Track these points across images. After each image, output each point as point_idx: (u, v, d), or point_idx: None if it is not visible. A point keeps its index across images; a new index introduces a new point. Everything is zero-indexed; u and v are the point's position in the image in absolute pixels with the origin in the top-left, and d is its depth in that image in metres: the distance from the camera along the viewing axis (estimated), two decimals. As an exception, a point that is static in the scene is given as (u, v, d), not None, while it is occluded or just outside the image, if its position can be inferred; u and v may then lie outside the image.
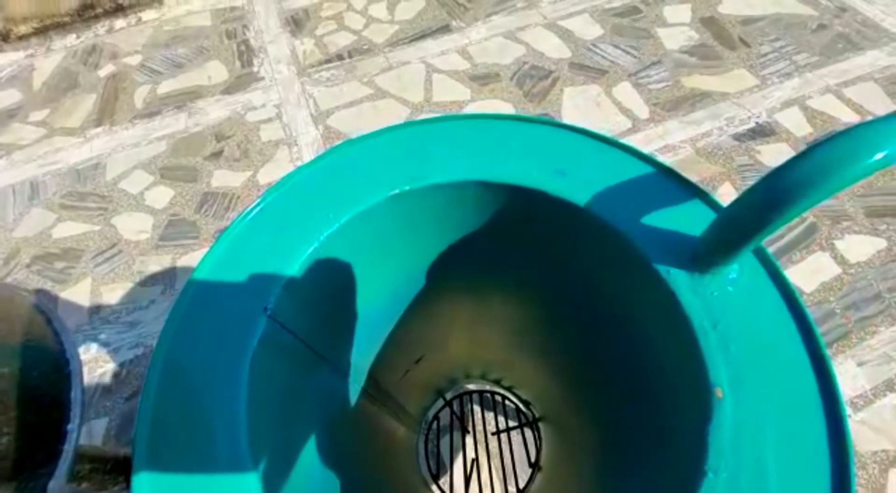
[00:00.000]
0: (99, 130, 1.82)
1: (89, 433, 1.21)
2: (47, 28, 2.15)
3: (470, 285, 0.55)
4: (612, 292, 0.39)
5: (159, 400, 0.32)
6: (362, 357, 0.50)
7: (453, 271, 0.48)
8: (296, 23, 2.14)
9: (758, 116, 1.67)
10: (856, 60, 1.84)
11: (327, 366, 0.43)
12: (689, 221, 0.35)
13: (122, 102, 1.90)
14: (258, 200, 0.39)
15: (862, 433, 1.11)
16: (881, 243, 1.38)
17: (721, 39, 1.92)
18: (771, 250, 1.37)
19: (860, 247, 1.38)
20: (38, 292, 1.43)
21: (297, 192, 0.39)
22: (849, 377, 1.18)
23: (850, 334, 1.23)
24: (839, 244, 1.38)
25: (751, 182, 1.50)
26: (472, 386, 1.03)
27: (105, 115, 1.87)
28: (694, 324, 0.31)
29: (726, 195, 1.49)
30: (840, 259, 1.36)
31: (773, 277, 0.32)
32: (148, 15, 2.24)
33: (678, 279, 0.33)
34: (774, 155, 1.57)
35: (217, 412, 0.31)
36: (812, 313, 1.26)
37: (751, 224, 0.29)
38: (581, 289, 0.43)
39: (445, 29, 2.05)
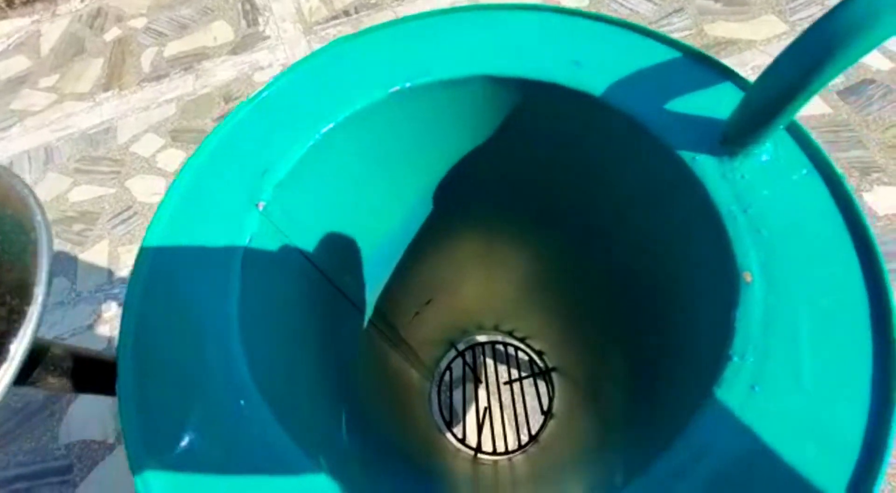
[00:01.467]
0: (108, 94, 1.81)
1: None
2: (51, -8, 2.12)
3: (480, 223, 0.53)
4: (634, 195, 0.37)
5: (146, 301, 0.31)
6: (367, 284, 0.49)
7: (462, 198, 0.47)
8: (300, -21, 2.07)
9: (785, 65, 1.58)
10: (895, 3, 1.72)
11: (327, 282, 0.42)
12: (718, 104, 0.32)
13: (129, 65, 1.89)
14: (252, 97, 0.38)
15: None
16: (913, 195, 1.32)
17: (748, -17, 1.80)
18: (795, 203, 1.32)
19: (890, 199, 1.32)
20: (58, 253, 1.45)
21: (292, 89, 0.38)
22: (872, 331, 1.15)
23: (876, 288, 1.20)
24: (867, 197, 1.33)
25: (776, 134, 1.44)
26: (483, 337, 1.03)
27: (113, 79, 1.85)
28: (721, 210, 0.29)
29: (749, 148, 1.43)
30: (868, 212, 1.30)
31: (811, 156, 0.30)
32: (150, -24, 2.18)
33: (705, 165, 0.30)
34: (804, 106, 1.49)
35: (206, 312, 0.30)
36: (836, 266, 1.24)
37: (782, 91, 0.27)
38: (600, 201, 0.41)
39: (455, -19, 1.96)
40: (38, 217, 0.32)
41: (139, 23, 2.03)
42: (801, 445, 0.23)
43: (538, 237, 0.56)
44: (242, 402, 0.26)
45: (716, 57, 0.39)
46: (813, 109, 1.48)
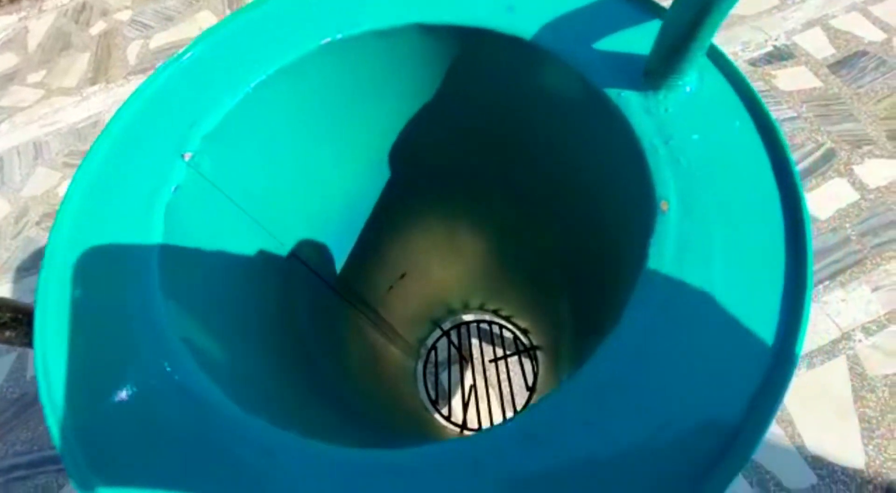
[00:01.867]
0: (95, 88, 1.81)
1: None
2: (36, -13, 2.11)
3: (440, 192, 0.53)
4: (568, 137, 0.37)
5: (69, 251, 0.31)
6: (327, 251, 0.49)
7: (416, 162, 0.46)
8: (285, -32, 2.05)
9: (775, 39, 1.56)
10: (887, -26, 1.69)
11: (273, 242, 0.42)
12: (646, 40, 0.32)
13: (115, 58, 1.88)
14: (178, 54, 0.37)
15: (873, 357, 1.09)
16: (904, 167, 1.31)
17: (738, -42, 1.78)
18: (784, 177, 1.31)
19: (881, 171, 1.31)
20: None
21: (222, 44, 0.37)
22: (862, 303, 1.15)
23: (865, 260, 1.19)
24: (858, 170, 1.31)
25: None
26: (469, 316, 1.03)
27: (100, 73, 1.85)
28: (644, 143, 0.28)
29: (738, 124, 1.42)
30: (858, 185, 1.29)
31: (736, 85, 0.30)
32: (135, -32, 2.17)
33: (630, 101, 0.30)
34: (792, 78, 1.47)
35: (128, 264, 0.29)
36: (826, 240, 1.22)
37: (693, 13, 0.26)
38: (540, 148, 0.40)
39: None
40: None
41: (124, 16, 2.02)
42: (711, 355, 0.23)
43: (494, 203, 0.56)
44: (167, 365, 0.26)
45: None
46: (803, 83, 1.46)
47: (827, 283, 1.17)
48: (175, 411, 0.25)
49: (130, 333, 0.28)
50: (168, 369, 0.26)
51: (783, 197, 0.26)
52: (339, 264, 0.52)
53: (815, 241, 1.23)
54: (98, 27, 2.01)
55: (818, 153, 1.35)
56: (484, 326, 1.00)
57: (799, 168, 1.32)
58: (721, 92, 0.30)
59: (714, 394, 0.22)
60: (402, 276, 0.68)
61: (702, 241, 0.25)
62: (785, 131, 1.38)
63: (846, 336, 1.11)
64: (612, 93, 0.30)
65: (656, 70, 0.29)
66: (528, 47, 0.33)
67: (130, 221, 0.32)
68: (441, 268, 0.73)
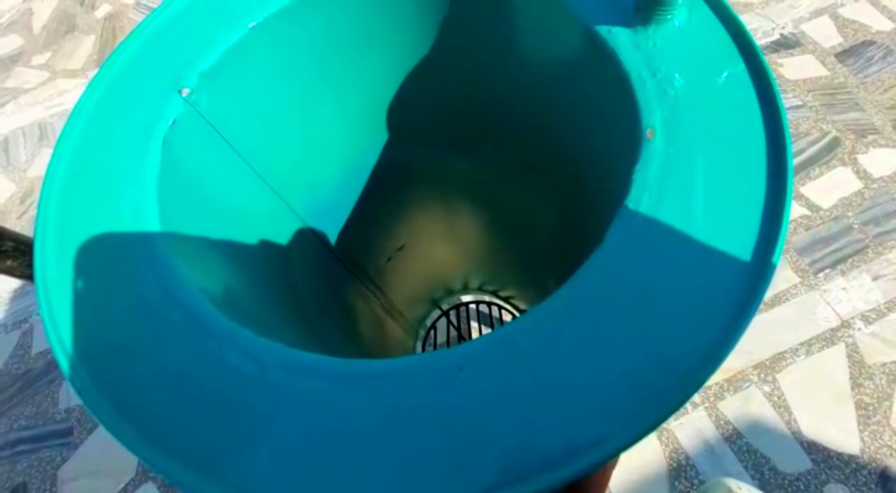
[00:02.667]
0: (100, 70, 1.81)
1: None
2: (41, -31, 2.10)
3: (436, 161, 0.53)
4: (555, 78, 0.37)
5: (67, 180, 0.32)
6: (321, 207, 0.49)
7: (413, 124, 0.46)
8: (290, -48, 2.04)
9: (783, 28, 1.55)
10: (898, -37, 1.67)
11: (266, 188, 0.42)
12: None
13: (119, 41, 1.88)
14: None
15: (872, 345, 1.09)
16: (909, 157, 1.30)
17: (747, -54, 1.75)
18: (788, 166, 1.30)
19: (886, 160, 1.30)
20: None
21: None
22: (863, 291, 1.14)
23: (867, 249, 1.19)
24: (862, 159, 1.31)
25: (770, 97, 1.42)
26: (469, 297, 1.04)
27: (104, 55, 1.85)
28: (631, 75, 0.29)
29: (743, 112, 1.41)
30: (862, 174, 1.28)
31: (724, 19, 0.30)
32: (140, -49, 2.16)
33: (619, 36, 0.31)
34: (798, 67, 1.46)
35: (125, 194, 0.30)
36: (828, 228, 1.22)
37: None
38: (531, 93, 0.41)
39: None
40: None
41: (130, -1, 2.02)
42: (693, 266, 0.24)
43: (489, 179, 0.56)
44: (164, 283, 0.27)
45: None
46: (809, 71, 1.45)
47: (828, 271, 1.17)
48: (171, 323, 0.26)
49: (129, 254, 0.28)
50: (164, 286, 0.27)
51: (767, 126, 0.27)
52: (338, 228, 0.53)
53: (818, 229, 1.22)
54: (103, 10, 2.01)
55: (823, 142, 1.34)
56: (483, 308, 1.01)
57: (803, 157, 1.32)
58: (709, 25, 0.30)
59: (689, 317, 0.23)
60: (401, 248, 0.68)
61: (685, 166, 0.26)
62: (790, 119, 1.37)
63: (846, 324, 1.11)
64: (603, 30, 0.31)
65: (645, 5, 0.30)
66: None
67: (128, 152, 0.32)
68: (439, 244, 0.74)
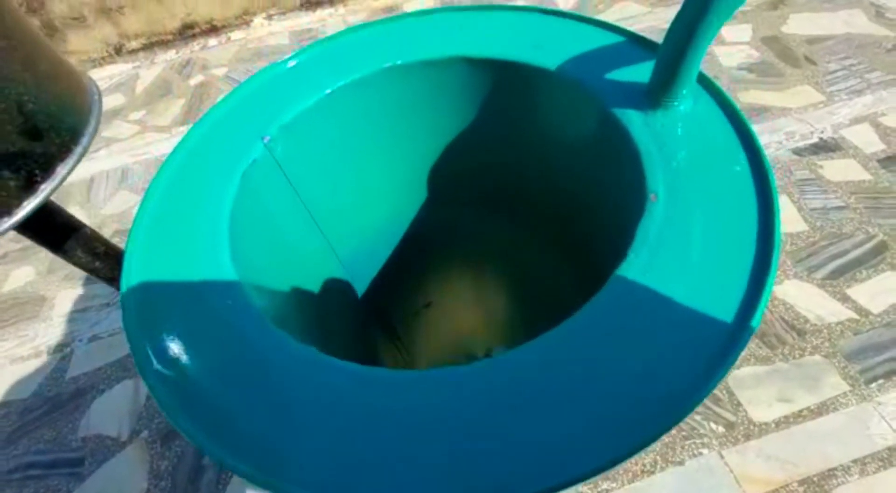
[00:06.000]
0: (183, 128, 2.05)
1: (138, 386, 1.30)
2: (153, 44, 2.48)
3: (468, 224, 0.57)
4: (579, 149, 0.41)
5: (161, 202, 0.37)
6: (360, 254, 0.53)
7: (450, 187, 0.51)
8: (362, 42, 2.32)
9: (822, 132, 1.58)
10: (940, 80, 1.71)
11: (318, 233, 0.46)
12: (649, 72, 0.36)
13: (205, 106, 2.14)
14: (277, 62, 0.45)
15: (938, 472, 0.97)
16: (967, 268, 1.24)
17: (784, 57, 1.86)
18: (832, 266, 1.27)
19: (941, 270, 1.24)
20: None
21: (310, 60, 0.45)
22: (923, 409, 1.04)
23: (926, 362, 1.10)
24: (914, 266, 1.25)
25: (811, 197, 1.41)
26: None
27: (190, 116, 2.10)
28: (640, 148, 0.32)
29: (784, 209, 1.41)
30: (915, 283, 1.22)
31: (723, 105, 0.33)
32: (236, 35, 2.52)
33: (632, 118, 0.34)
34: (840, 169, 1.47)
35: (203, 218, 0.35)
36: (879, 335, 1.15)
37: (677, 48, 0.30)
38: (558, 165, 0.44)
39: (499, 47, 2.14)
40: (96, 96, 0.41)
41: (220, 71, 2.32)
42: (677, 319, 0.25)
43: (516, 243, 0.59)
44: (229, 301, 0.30)
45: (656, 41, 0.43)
46: (851, 174, 1.45)
47: (882, 382, 1.08)
48: (224, 322, 0.29)
49: (199, 262, 0.32)
50: (224, 295, 0.30)
51: (758, 194, 0.28)
52: (372, 276, 0.56)
53: (868, 335, 1.15)
54: (196, 79, 2.31)
55: (869, 245, 1.30)
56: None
57: (848, 258, 1.28)
58: (711, 112, 0.34)
59: (666, 367, 0.24)
60: (428, 304, 0.70)
61: (682, 228, 0.28)
62: (832, 220, 1.35)
63: (905, 443, 1.00)
64: (618, 111, 0.35)
65: (655, 92, 0.33)
66: (552, 76, 0.39)
67: (214, 181, 0.38)
68: (465, 306, 0.75)
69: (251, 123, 0.42)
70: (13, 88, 0.33)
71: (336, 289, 0.50)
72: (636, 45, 0.41)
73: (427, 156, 0.50)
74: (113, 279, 0.45)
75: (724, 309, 0.25)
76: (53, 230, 0.39)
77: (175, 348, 0.29)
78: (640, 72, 0.38)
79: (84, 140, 0.36)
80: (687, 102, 0.34)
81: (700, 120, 0.34)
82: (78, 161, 0.36)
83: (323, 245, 0.48)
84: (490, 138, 0.48)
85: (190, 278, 0.32)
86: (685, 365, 0.24)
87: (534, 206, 0.51)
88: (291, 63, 0.46)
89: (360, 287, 0.55)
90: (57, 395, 1.32)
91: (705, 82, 0.36)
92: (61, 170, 0.35)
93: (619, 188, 0.35)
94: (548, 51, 0.41)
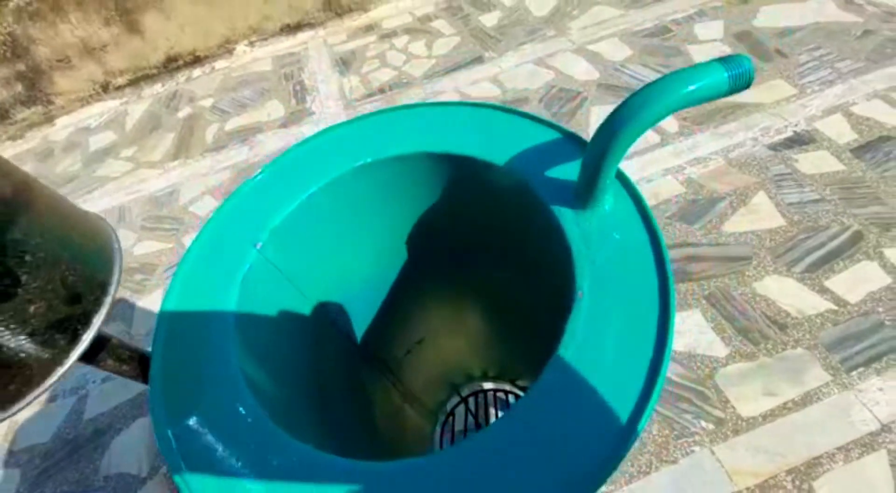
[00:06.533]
0: (175, 163, 2.09)
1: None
2: (139, 79, 2.52)
3: (444, 275, 0.62)
4: (525, 237, 0.46)
5: (174, 313, 0.42)
6: (355, 317, 0.58)
7: (425, 253, 0.56)
8: (344, 63, 2.36)
9: (795, 125, 1.62)
10: (909, 64, 1.74)
11: (317, 311, 0.52)
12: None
13: (195, 138, 2.18)
14: (258, 173, 0.50)
15: (918, 453, 1.02)
16: (940, 252, 1.28)
17: (755, 52, 1.90)
18: (810, 259, 1.31)
19: (914, 255, 1.29)
20: (117, 300, 1.64)
21: (289, 165, 0.50)
22: (902, 393, 1.09)
23: (903, 347, 1.15)
24: (889, 253, 1.30)
25: (787, 191, 1.46)
26: (488, 384, 1.07)
27: (181, 150, 2.14)
28: (572, 247, 0.37)
29: (761, 205, 1.45)
30: (890, 268, 1.27)
31: (638, 206, 0.38)
32: (220, 64, 2.56)
33: (566, 215, 0.40)
34: (814, 162, 1.51)
35: (212, 323, 0.40)
36: (858, 324, 1.20)
37: (597, 157, 0.35)
38: (509, 242, 0.50)
39: (478, 60, 2.18)
40: (116, 244, 0.46)
41: (207, 102, 2.36)
42: (601, 396, 0.30)
43: (487, 286, 0.65)
44: (240, 409, 0.36)
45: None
46: (825, 166, 1.49)
47: (862, 369, 1.13)
48: (231, 424, 0.34)
49: (209, 367, 0.38)
50: (231, 397, 0.36)
51: (660, 289, 0.34)
52: (363, 328, 0.62)
53: (846, 325, 1.20)
54: (184, 111, 2.35)
55: (845, 236, 1.35)
56: (501, 394, 1.04)
57: (825, 250, 1.33)
58: (627, 210, 0.39)
59: (572, 456, 0.29)
60: (420, 341, 0.75)
61: (602, 324, 0.33)
62: (809, 213, 1.40)
63: (886, 428, 1.05)
64: (556, 209, 0.40)
65: (581, 193, 0.39)
66: (501, 171, 0.44)
67: (219, 289, 0.43)
68: (455, 338, 0.80)
69: (243, 233, 0.48)
70: (57, 270, 0.39)
71: (331, 349, 0.55)
72: (571, 142, 0.46)
73: (404, 229, 0.56)
74: (137, 376, 0.50)
75: (622, 410, 0.30)
76: (88, 350, 0.44)
77: (190, 434, 0.34)
78: (574, 169, 0.43)
79: (112, 290, 0.42)
80: (609, 201, 0.39)
81: (619, 219, 0.39)
82: (110, 309, 0.42)
83: (316, 310, 0.54)
84: (451, 213, 0.53)
85: (203, 377, 0.37)
86: (585, 462, 0.28)
87: (500, 257, 0.57)
88: (260, 176, 0.51)
89: (353, 338, 0.60)
90: (76, 437, 1.37)
91: (624, 181, 0.41)
92: (97, 320, 0.41)
93: (555, 275, 0.41)
94: (498, 147, 0.46)
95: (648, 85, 0.35)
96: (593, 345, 0.33)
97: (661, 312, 0.33)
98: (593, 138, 0.38)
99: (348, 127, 0.53)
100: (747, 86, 0.34)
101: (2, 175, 0.41)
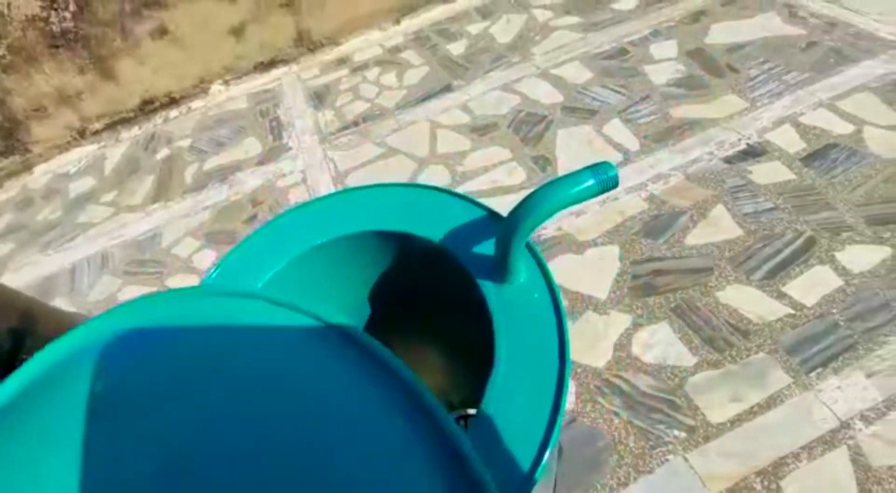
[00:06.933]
0: (156, 205, 2.12)
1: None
2: (115, 123, 2.56)
3: (401, 322, 0.69)
4: (457, 303, 0.53)
5: None
6: None
7: (384, 306, 0.62)
8: (318, 97, 2.43)
9: (748, 138, 1.72)
10: (849, 72, 1.86)
11: None
12: None
13: (175, 179, 2.21)
14: (229, 253, 0.56)
15: (876, 447, 1.09)
16: (886, 252, 1.37)
17: (708, 69, 2.00)
18: (768, 266, 1.39)
19: (863, 256, 1.37)
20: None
21: (253, 248, 0.56)
22: (859, 390, 1.16)
23: (857, 346, 1.22)
24: (840, 256, 1.38)
25: (743, 202, 1.54)
26: (473, 410, 1.11)
27: (161, 192, 2.17)
28: (494, 317, 0.43)
29: (720, 217, 1.53)
30: (842, 271, 1.35)
31: (546, 278, 0.44)
32: (196, 104, 2.61)
33: (488, 286, 0.46)
34: (767, 173, 1.60)
35: None
36: (814, 327, 1.27)
37: (505, 241, 0.42)
38: (448, 305, 0.56)
39: (448, 88, 2.26)
40: None
41: (185, 143, 2.40)
42: (510, 446, 0.35)
43: (442, 324, 0.72)
44: None
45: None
46: (777, 177, 1.58)
47: (819, 370, 1.20)
48: None
49: None
50: None
51: (560, 355, 0.40)
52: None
53: (804, 328, 1.27)
54: (162, 153, 2.38)
55: (798, 242, 1.43)
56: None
57: (781, 257, 1.40)
58: (538, 283, 0.45)
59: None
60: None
61: (515, 387, 0.39)
62: (764, 222, 1.48)
63: (845, 425, 1.12)
64: (482, 282, 0.47)
65: (497, 267, 0.45)
66: (435, 247, 0.51)
67: None
68: (428, 375, 0.86)
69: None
70: None
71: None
72: (495, 220, 0.53)
73: (363, 293, 0.61)
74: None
75: (524, 460, 0.36)
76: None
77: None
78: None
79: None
80: (523, 273, 0.46)
81: (530, 288, 0.46)
82: None
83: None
84: (400, 276, 0.59)
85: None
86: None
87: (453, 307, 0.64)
88: (235, 256, 0.56)
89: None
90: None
91: (534, 253, 0.48)
92: None
93: (483, 337, 0.47)
94: (434, 225, 0.53)
95: (538, 189, 0.42)
96: (506, 406, 0.39)
97: (558, 379, 0.39)
98: (500, 227, 0.44)
99: (311, 207, 0.59)
100: (615, 186, 0.41)
101: (6, 305, 0.47)
